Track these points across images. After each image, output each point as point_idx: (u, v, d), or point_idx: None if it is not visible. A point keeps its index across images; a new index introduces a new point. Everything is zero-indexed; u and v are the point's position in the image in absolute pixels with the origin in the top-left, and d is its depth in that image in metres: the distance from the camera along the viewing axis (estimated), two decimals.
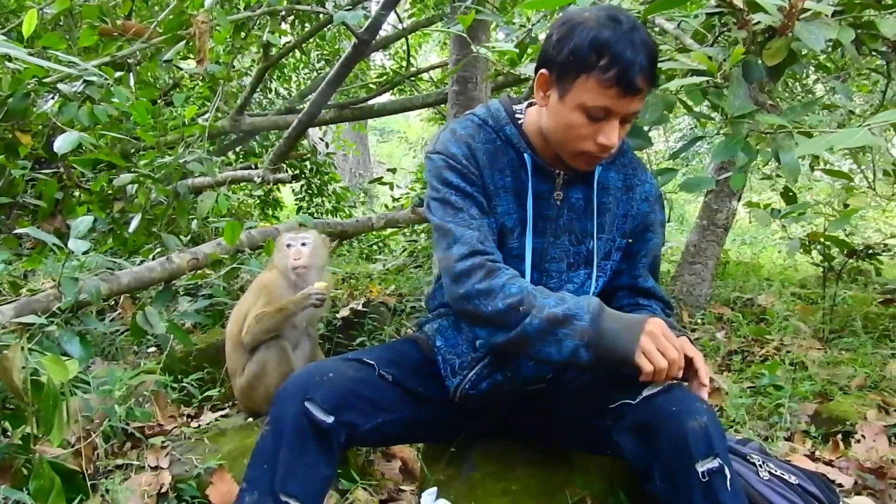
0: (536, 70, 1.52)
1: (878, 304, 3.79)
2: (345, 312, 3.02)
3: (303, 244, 2.20)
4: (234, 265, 2.92)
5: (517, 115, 1.64)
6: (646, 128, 2.06)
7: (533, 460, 1.79)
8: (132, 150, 4.22)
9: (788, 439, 2.46)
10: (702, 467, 1.32)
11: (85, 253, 2.32)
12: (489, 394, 1.62)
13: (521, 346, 1.46)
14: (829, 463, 2.25)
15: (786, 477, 1.45)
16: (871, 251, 3.55)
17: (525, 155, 1.60)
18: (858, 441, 2.37)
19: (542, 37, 2.72)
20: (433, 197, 1.59)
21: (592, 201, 1.63)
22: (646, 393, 1.43)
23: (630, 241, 1.71)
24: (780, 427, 2.49)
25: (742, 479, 1.46)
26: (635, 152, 1.81)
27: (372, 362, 1.59)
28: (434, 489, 1.52)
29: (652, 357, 1.35)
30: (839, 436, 2.41)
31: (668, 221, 2.23)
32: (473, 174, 1.57)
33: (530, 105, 1.65)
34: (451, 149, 1.58)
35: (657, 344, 1.37)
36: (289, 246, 2.20)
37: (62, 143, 2.49)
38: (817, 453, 2.33)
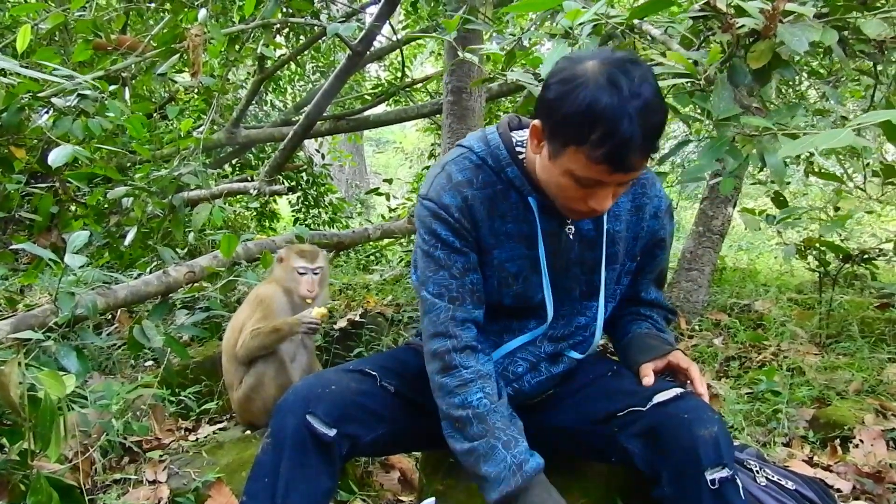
0: (532, 117, 1.41)
1: (874, 308, 3.79)
2: (342, 323, 3.02)
3: (315, 273, 2.19)
4: (231, 278, 2.92)
5: (518, 149, 1.52)
6: None
7: None
8: (128, 164, 4.23)
9: (787, 445, 2.46)
10: (711, 475, 1.32)
11: (81, 267, 2.32)
12: None
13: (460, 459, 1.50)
14: (827, 468, 2.25)
15: (783, 483, 1.45)
16: (866, 256, 3.55)
17: (530, 199, 1.50)
18: (856, 446, 2.37)
19: (530, 45, 2.74)
20: (420, 246, 1.53)
21: (601, 233, 1.56)
22: (657, 399, 1.44)
23: (639, 258, 1.68)
24: (778, 433, 2.49)
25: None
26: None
27: (374, 373, 1.59)
28: (432, 499, 1.52)
29: None
30: (837, 441, 2.41)
31: None
32: (465, 228, 1.49)
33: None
34: (444, 199, 1.48)
35: None
36: (302, 273, 2.18)
37: (57, 157, 2.49)
38: (815, 458, 2.33)
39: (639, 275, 1.72)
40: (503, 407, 1.48)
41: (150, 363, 2.88)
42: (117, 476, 1.94)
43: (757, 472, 1.53)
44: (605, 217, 1.55)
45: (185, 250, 3.62)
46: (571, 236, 1.54)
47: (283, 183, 5.78)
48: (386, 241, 5.55)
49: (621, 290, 1.69)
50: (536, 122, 1.37)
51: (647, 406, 1.44)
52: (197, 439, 2.23)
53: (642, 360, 1.56)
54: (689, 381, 1.52)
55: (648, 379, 1.51)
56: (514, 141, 1.52)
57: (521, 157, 1.51)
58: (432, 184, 1.52)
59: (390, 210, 6.08)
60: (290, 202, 6.72)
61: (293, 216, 6.63)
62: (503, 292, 1.55)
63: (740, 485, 1.33)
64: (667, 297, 3.86)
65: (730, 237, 7.55)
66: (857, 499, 2.06)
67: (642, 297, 1.73)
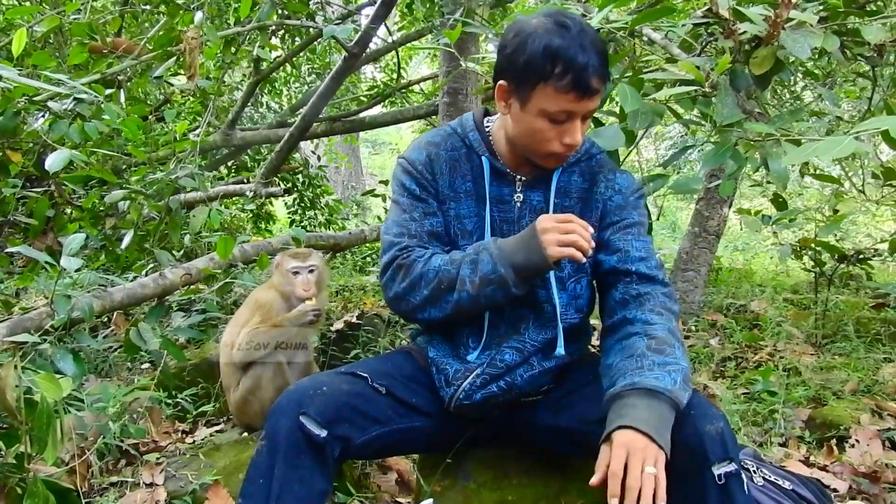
0: (494, 81, 1.58)
1: (869, 308, 3.81)
2: (339, 325, 3.01)
3: (310, 271, 2.16)
4: (228, 280, 2.92)
5: (486, 124, 1.72)
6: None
7: (528, 469, 1.79)
8: (124, 167, 4.22)
9: (783, 445, 2.47)
10: (718, 470, 1.33)
11: (77, 270, 2.31)
12: (484, 404, 1.62)
13: (461, 312, 1.57)
14: (823, 468, 2.26)
15: (780, 483, 1.45)
16: (861, 256, 3.57)
17: (483, 158, 1.67)
18: (853, 446, 2.38)
19: None
20: (391, 199, 1.73)
21: (549, 206, 1.65)
22: None
23: (609, 235, 1.65)
24: (774, 433, 2.50)
25: None
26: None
27: (365, 375, 1.60)
28: (430, 500, 1.52)
29: (564, 242, 1.45)
30: (833, 441, 2.42)
31: (657, 222, 2.22)
32: (426, 179, 1.67)
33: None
34: (412, 155, 1.70)
35: (558, 230, 1.47)
36: (296, 273, 2.15)
37: (53, 161, 2.49)
38: (812, 458, 2.34)
39: (619, 250, 1.64)
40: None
41: (146, 366, 2.87)
42: (114, 479, 1.94)
43: (754, 472, 1.53)
44: (552, 190, 1.65)
45: (182, 253, 3.62)
46: (520, 204, 1.66)
47: (279, 185, 5.76)
48: None
49: (590, 261, 1.65)
50: (500, 82, 1.54)
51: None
52: (194, 442, 2.22)
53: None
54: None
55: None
56: (486, 119, 1.74)
57: (486, 129, 1.71)
58: (410, 146, 1.75)
59: (387, 212, 6.07)
60: (286, 204, 6.71)
61: (289, 218, 6.62)
62: (460, 244, 1.66)
63: (745, 479, 1.35)
64: None
65: (725, 238, 7.57)
66: (853, 499, 2.07)
67: (635, 270, 1.61)
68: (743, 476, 1.35)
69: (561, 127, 1.50)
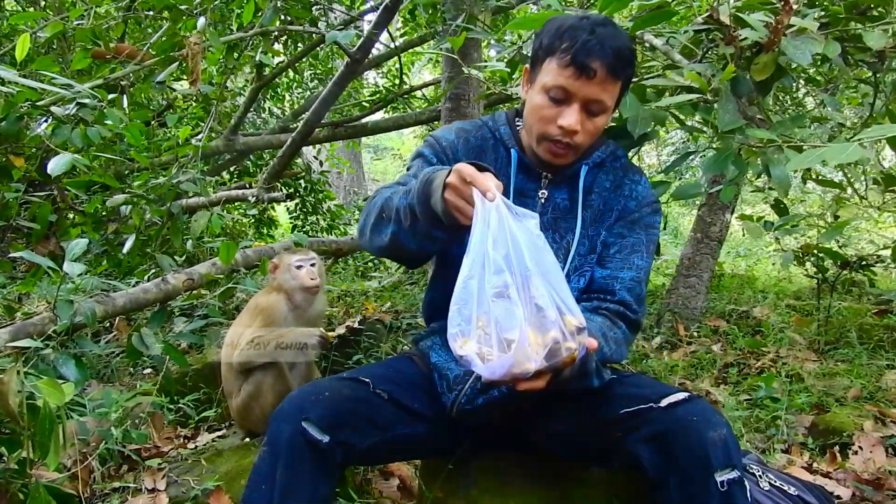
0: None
1: (872, 315, 3.80)
2: (341, 330, 3.01)
3: (312, 264, 2.21)
4: (230, 285, 2.92)
5: (518, 121, 1.73)
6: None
7: (531, 475, 1.79)
8: (126, 172, 4.23)
9: (786, 451, 2.46)
10: (721, 477, 1.34)
11: (80, 275, 2.32)
12: (485, 409, 1.61)
13: (399, 249, 1.51)
14: (826, 475, 2.25)
15: (785, 488, 1.45)
16: (864, 262, 3.57)
17: (512, 150, 1.69)
18: (856, 452, 2.37)
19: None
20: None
21: (577, 202, 1.67)
22: (666, 402, 1.45)
23: (603, 232, 1.68)
24: (777, 439, 2.49)
25: None
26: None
27: (367, 381, 1.59)
28: None
29: (458, 194, 1.31)
30: (836, 447, 2.42)
31: (664, 231, 2.23)
32: (445, 156, 1.68)
33: None
34: (440, 133, 1.73)
35: (459, 188, 1.31)
36: (299, 267, 2.20)
37: (55, 166, 2.49)
38: (815, 465, 2.33)
39: (610, 258, 1.67)
40: None
41: (148, 371, 2.87)
42: (116, 484, 1.94)
43: (760, 476, 1.53)
44: (580, 188, 1.67)
45: (184, 258, 3.62)
46: (544, 200, 1.68)
47: (282, 190, 5.77)
48: None
49: (591, 262, 1.68)
50: (525, 66, 1.62)
51: (653, 407, 1.45)
52: (196, 447, 2.22)
53: None
54: None
55: None
56: (515, 120, 1.74)
57: (518, 125, 1.72)
58: (441, 127, 1.76)
59: None
60: (288, 209, 6.71)
61: (291, 223, 6.63)
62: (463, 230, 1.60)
63: (747, 486, 1.34)
64: (664, 304, 3.91)
65: (728, 244, 7.56)
66: None
67: (610, 288, 1.65)
68: (746, 483, 1.35)
69: (559, 108, 1.53)
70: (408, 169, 1.72)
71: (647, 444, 1.45)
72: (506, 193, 1.54)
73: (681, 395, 1.46)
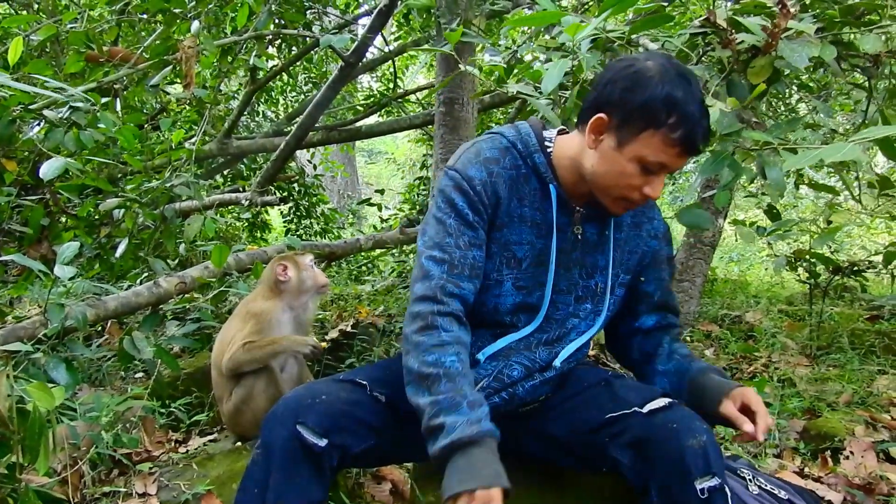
0: (589, 111, 1.50)
1: (864, 320, 3.82)
2: (334, 334, 3.01)
3: (315, 264, 2.28)
4: (222, 288, 2.91)
5: (546, 144, 1.61)
6: None
7: (525, 479, 1.78)
8: (119, 176, 4.22)
9: (778, 456, 2.47)
10: (700, 485, 1.33)
11: (71, 279, 2.31)
12: None
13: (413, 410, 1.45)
14: (818, 479, 2.25)
15: (775, 492, 1.45)
16: (855, 268, 3.58)
17: (551, 187, 1.57)
18: (847, 457, 2.37)
19: (527, 57, 2.75)
20: (434, 213, 1.56)
21: (607, 237, 1.64)
22: (647, 408, 1.45)
23: (642, 279, 1.72)
24: (769, 444, 2.50)
25: (733, 493, 1.46)
26: None
27: (364, 383, 1.58)
28: None
29: None
30: (828, 452, 2.42)
31: None
32: (483, 203, 1.54)
33: (560, 133, 1.64)
34: (469, 171, 1.54)
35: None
36: (313, 266, 2.26)
37: (48, 169, 2.49)
38: (806, 469, 2.33)
39: (642, 297, 1.74)
40: (471, 376, 1.46)
41: (140, 375, 2.86)
42: (106, 489, 1.92)
43: (750, 480, 1.53)
44: (611, 224, 1.63)
45: (177, 262, 3.61)
46: (579, 236, 1.61)
47: (275, 194, 5.77)
48: (378, 251, 5.55)
49: (615, 301, 1.71)
50: (601, 115, 1.46)
51: (636, 412, 1.45)
52: (187, 451, 2.21)
53: (718, 400, 1.53)
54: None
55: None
56: (544, 136, 1.61)
57: (548, 150, 1.60)
58: (460, 157, 1.58)
59: (382, 221, 6.07)
60: (281, 213, 6.71)
61: (285, 227, 6.63)
62: (504, 274, 1.57)
63: (728, 493, 1.34)
64: None
65: (721, 249, 7.59)
66: None
67: (641, 326, 1.75)
68: (727, 490, 1.34)
69: (648, 177, 1.46)
70: (440, 220, 1.54)
71: (627, 450, 1.45)
72: (546, 228, 1.58)
73: (663, 402, 1.45)
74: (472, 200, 1.53)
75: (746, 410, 1.49)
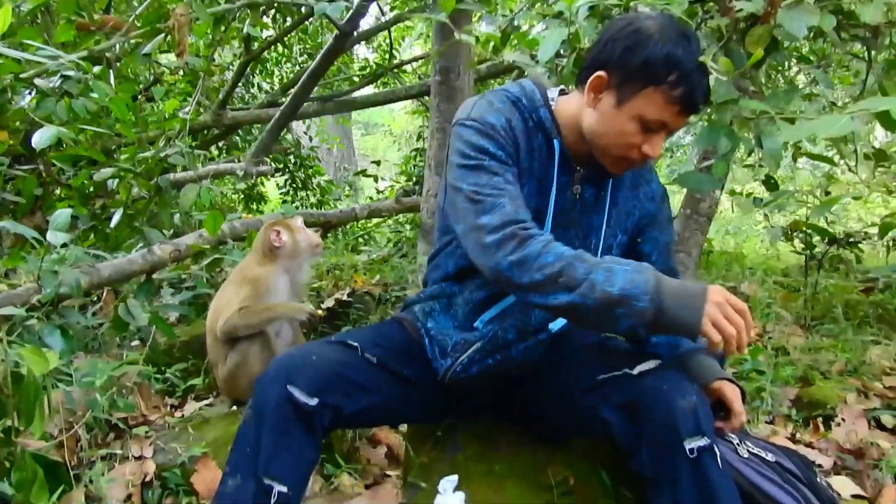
0: (589, 70, 1.50)
1: (858, 292, 3.83)
2: (330, 303, 3.01)
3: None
4: (217, 255, 2.90)
5: (551, 100, 1.61)
6: None
7: (516, 441, 1.80)
8: (113, 147, 4.18)
9: (770, 423, 2.48)
10: (690, 444, 1.33)
11: (64, 246, 2.30)
12: (478, 377, 1.62)
13: (569, 316, 1.44)
14: (809, 445, 2.28)
15: (763, 455, 1.46)
16: (851, 239, 3.58)
17: (555, 142, 1.57)
18: (838, 424, 2.40)
19: (524, 26, 2.72)
20: (462, 164, 1.50)
21: (604, 199, 1.64)
22: (638, 369, 1.44)
23: (638, 240, 1.73)
24: (761, 410, 2.51)
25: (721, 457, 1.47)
26: None
27: (356, 344, 1.58)
28: (455, 477, 1.48)
29: (720, 326, 1.29)
30: (820, 419, 2.44)
31: None
32: (510, 146, 1.52)
33: (561, 93, 1.64)
34: (488, 118, 1.52)
35: (724, 312, 1.31)
36: (304, 229, 2.26)
37: (41, 139, 2.47)
38: (798, 436, 2.36)
39: (645, 260, 1.71)
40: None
41: (136, 343, 2.85)
42: (103, 452, 1.93)
43: (738, 444, 1.54)
44: (608, 186, 1.63)
45: (172, 233, 3.59)
46: (577, 196, 1.61)
47: (270, 164, 5.74)
48: (374, 223, 5.55)
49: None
50: (600, 73, 1.47)
51: (626, 374, 1.45)
52: (183, 416, 2.22)
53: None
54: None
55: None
56: (547, 94, 1.61)
57: (551, 107, 1.59)
58: (473, 108, 1.55)
59: (378, 192, 6.06)
60: (277, 185, 6.70)
61: (281, 199, 6.61)
62: None
63: (718, 454, 1.34)
64: None
65: (717, 222, 7.59)
66: (837, 474, 2.09)
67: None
68: (716, 450, 1.34)
69: (648, 136, 1.46)
70: (475, 167, 1.49)
71: (618, 412, 1.45)
72: (546, 186, 1.57)
73: (653, 363, 1.45)
74: (501, 143, 1.51)
75: (721, 407, 1.52)
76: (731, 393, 1.52)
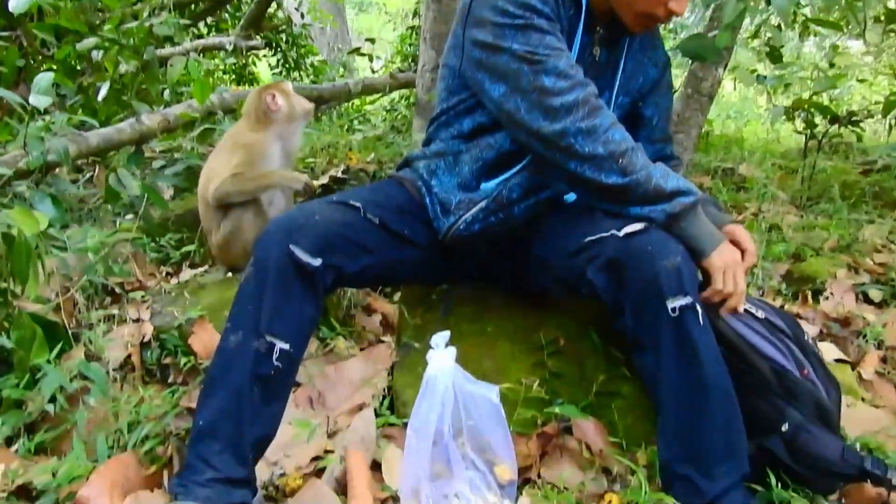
0: None
1: (857, 174, 3.80)
2: (324, 180, 2.97)
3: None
4: (208, 125, 2.84)
5: None
6: None
7: (508, 304, 1.83)
8: (97, 22, 4.02)
9: (761, 296, 2.52)
10: (672, 304, 1.34)
11: (46, 112, 2.24)
12: (479, 235, 1.61)
13: (605, 195, 1.47)
14: (797, 315, 2.31)
15: (753, 311, 1.48)
16: (854, 118, 3.52)
17: (582, 1, 1.56)
18: (827, 298, 2.43)
19: None
20: (505, 23, 1.46)
21: (616, 62, 1.65)
22: (625, 231, 1.43)
23: (640, 104, 1.75)
24: (752, 285, 2.54)
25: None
26: None
27: (358, 205, 1.56)
28: (447, 332, 1.50)
29: (724, 275, 1.42)
30: (809, 293, 2.48)
31: None
32: (552, 4, 1.49)
33: None
34: None
35: (730, 268, 1.43)
36: (295, 94, 2.21)
37: (17, 4, 2.37)
38: (787, 307, 2.39)
39: (649, 123, 1.77)
40: None
41: (130, 217, 2.84)
42: (101, 314, 1.95)
43: None
44: (623, 48, 1.64)
45: (162, 107, 3.51)
46: (596, 58, 1.62)
47: (259, 40, 5.56)
48: (370, 104, 5.43)
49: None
50: None
51: (613, 235, 1.44)
52: (179, 282, 2.24)
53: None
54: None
55: None
56: None
57: None
58: None
59: (373, 72, 5.91)
60: (269, 65, 6.51)
61: (274, 78, 6.43)
62: None
63: (700, 311, 1.36)
64: None
65: (718, 106, 7.46)
66: (822, 341, 2.13)
67: (660, 153, 1.77)
68: (698, 308, 1.36)
69: None
70: (523, 27, 1.46)
71: (603, 272, 1.45)
72: (570, 44, 1.56)
73: (639, 226, 1.43)
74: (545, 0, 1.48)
75: (736, 247, 1.51)
76: (744, 234, 1.54)
